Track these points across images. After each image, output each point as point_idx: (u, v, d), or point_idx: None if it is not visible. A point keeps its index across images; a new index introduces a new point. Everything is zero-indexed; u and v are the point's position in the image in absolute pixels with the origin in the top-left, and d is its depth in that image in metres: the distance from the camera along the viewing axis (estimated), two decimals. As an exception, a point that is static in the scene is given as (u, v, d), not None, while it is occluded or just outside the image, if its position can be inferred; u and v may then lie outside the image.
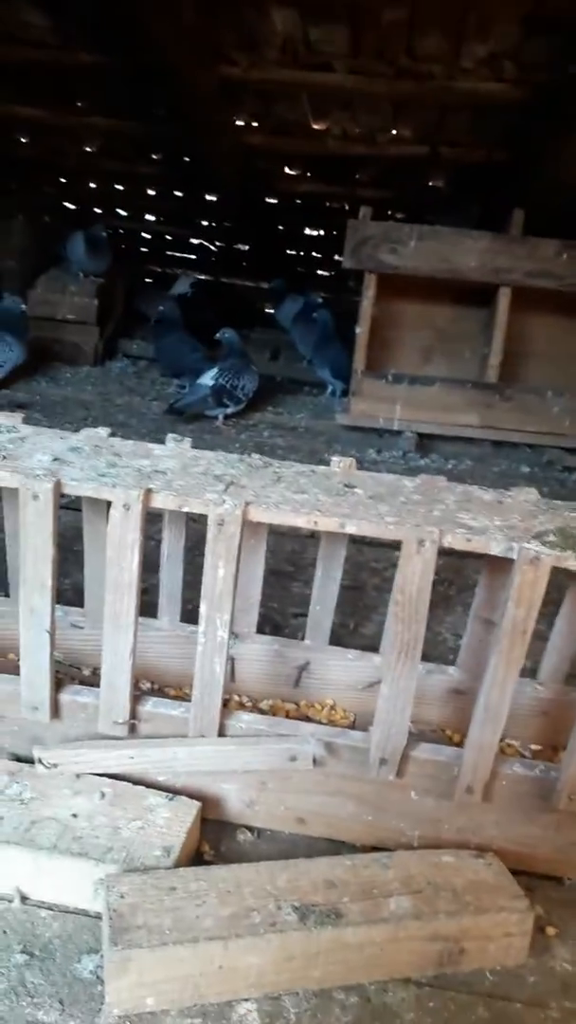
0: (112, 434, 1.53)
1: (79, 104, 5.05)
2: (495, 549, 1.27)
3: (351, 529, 1.29)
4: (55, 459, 1.36)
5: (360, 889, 1.26)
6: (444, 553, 1.29)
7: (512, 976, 1.26)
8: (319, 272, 7.65)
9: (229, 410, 4.41)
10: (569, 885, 1.44)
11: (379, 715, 1.35)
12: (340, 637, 2.13)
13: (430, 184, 5.75)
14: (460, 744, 1.58)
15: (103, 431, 1.51)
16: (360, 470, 1.56)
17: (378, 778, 1.40)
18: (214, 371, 4.34)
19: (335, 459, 1.51)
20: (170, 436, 1.53)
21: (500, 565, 1.52)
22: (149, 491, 1.30)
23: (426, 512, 1.33)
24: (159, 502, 1.31)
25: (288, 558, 2.71)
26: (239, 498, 1.30)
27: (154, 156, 5.96)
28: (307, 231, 7.22)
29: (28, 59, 4.29)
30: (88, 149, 5.86)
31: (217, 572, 1.31)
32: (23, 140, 5.78)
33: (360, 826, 1.45)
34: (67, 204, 7.07)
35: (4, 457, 1.33)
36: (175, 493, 1.31)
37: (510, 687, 1.31)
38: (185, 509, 1.32)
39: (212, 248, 7.83)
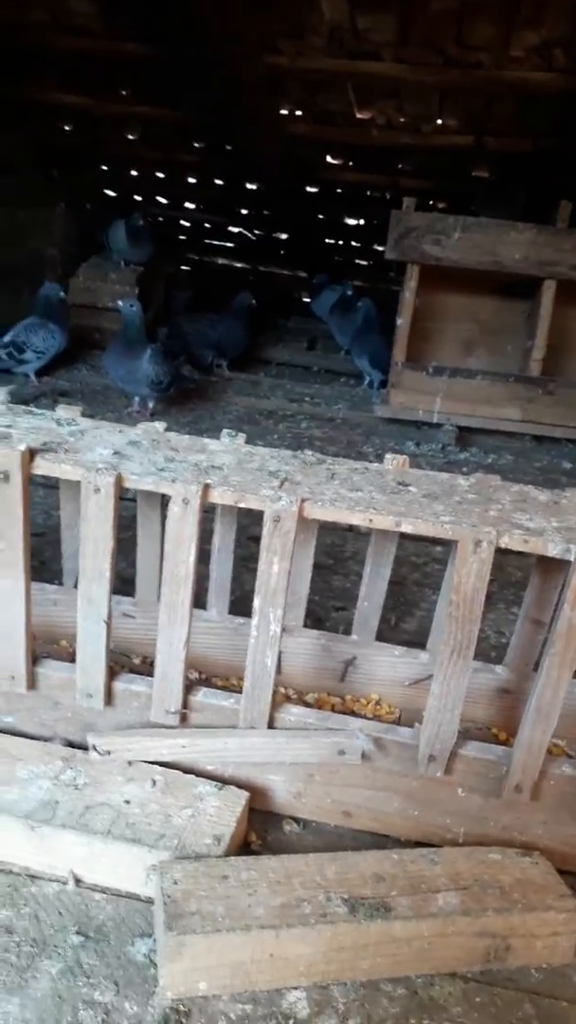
0: (168, 428, 1.55)
1: (123, 92, 5.07)
2: (553, 551, 1.27)
3: (407, 528, 1.29)
4: (115, 453, 1.38)
5: (408, 883, 1.27)
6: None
7: (558, 975, 1.26)
8: (357, 261, 7.60)
9: (27, 367, 4.43)
10: (615, 886, 1.45)
11: (429, 713, 1.36)
12: (381, 632, 2.13)
13: (474, 174, 5.68)
14: (506, 743, 1.59)
15: (159, 425, 1.53)
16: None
17: (426, 774, 1.41)
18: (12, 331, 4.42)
19: (388, 456, 1.51)
20: (224, 431, 1.54)
21: (552, 566, 1.52)
22: (207, 486, 1.32)
23: (482, 512, 1.34)
24: (217, 497, 1.33)
25: (328, 551, 2.72)
26: (295, 495, 1.32)
27: (196, 144, 5.96)
28: (347, 220, 7.18)
29: (74, 47, 4.31)
30: (130, 137, 5.88)
31: (272, 568, 1.33)
32: (66, 128, 5.81)
33: (406, 821, 1.47)
34: (108, 192, 7.10)
35: (66, 450, 1.36)
36: (232, 489, 1.33)
37: (563, 688, 1.31)
38: (242, 505, 1.33)
39: (250, 236, 7.82)
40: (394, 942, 1.22)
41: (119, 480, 1.30)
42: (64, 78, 4.86)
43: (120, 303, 4.16)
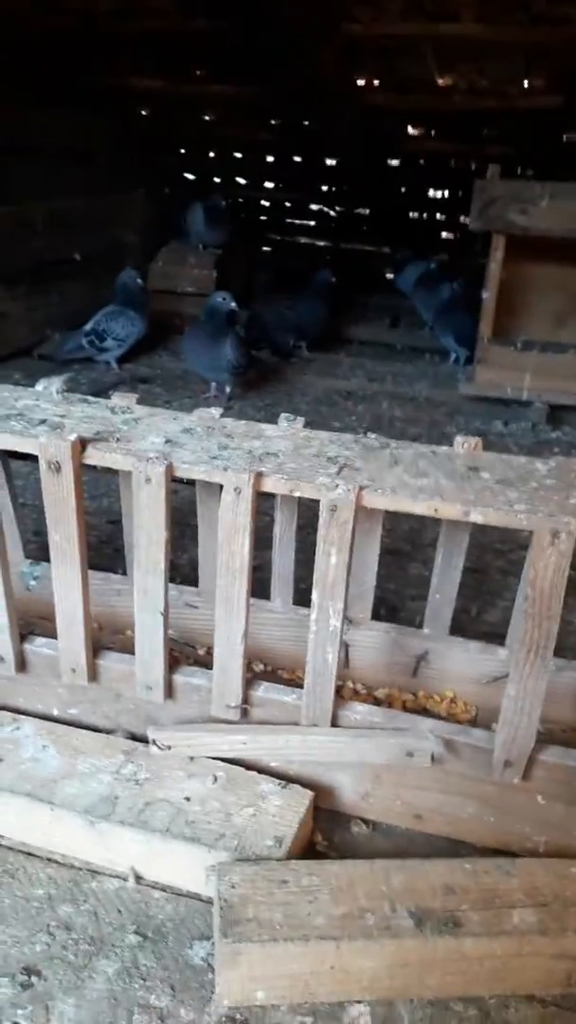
0: (224, 414, 1.49)
1: (197, 72, 5.03)
2: None
3: (476, 518, 1.19)
4: (167, 441, 1.33)
5: (481, 897, 1.19)
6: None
7: None
8: (443, 234, 7.36)
9: (108, 355, 4.39)
10: None
11: (504, 716, 1.27)
12: (461, 623, 2.03)
13: (563, 138, 5.38)
14: (592, 745, 1.47)
15: (215, 411, 1.48)
16: (487, 444, 1.45)
17: (502, 780, 1.32)
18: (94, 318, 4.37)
19: (459, 439, 1.41)
20: (282, 415, 1.47)
21: None
22: (259, 474, 1.25)
23: (561, 500, 1.22)
24: (269, 486, 1.26)
25: (406, 537, 2.62)
26: (353, 482, 1.24)
27: (273, 122, 5.88)
28: (430, 192, 6.95)
29: (146, 29, 4.29)
30: (207, 118, 5.84)
31: (329, 559, 1.26)
32: (143, 112, 5.81)
33: (481, 827, 1.38)
34: (187, 174, 7.09)
35: (118, 439, 1.32)
36: (286, 477, 1.26)
37: None
38: (296, 494, 1.26)
39: (331, 213, 7.68)
40: (464, 960, 1.14)
41: (170, 469, 1.25)
42: (138, 62, 4.86)
43: (217, 297, 4.16)
